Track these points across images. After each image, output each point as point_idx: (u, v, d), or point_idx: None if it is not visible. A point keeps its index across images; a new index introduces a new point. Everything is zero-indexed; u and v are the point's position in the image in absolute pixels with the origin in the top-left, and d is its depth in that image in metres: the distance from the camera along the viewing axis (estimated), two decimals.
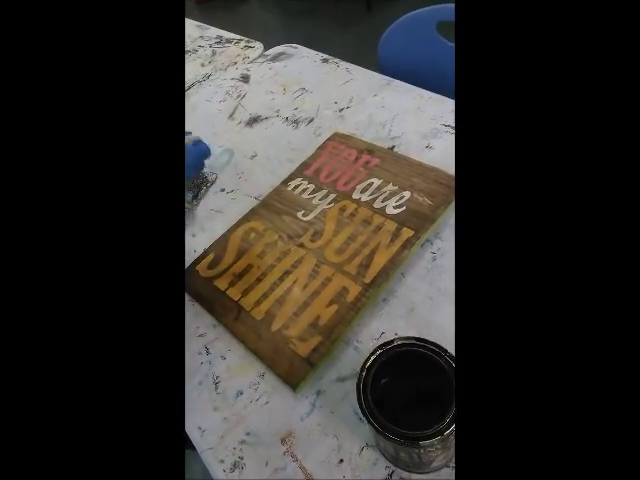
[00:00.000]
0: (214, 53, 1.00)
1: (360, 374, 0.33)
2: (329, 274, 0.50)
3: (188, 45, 1.05)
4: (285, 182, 0.63)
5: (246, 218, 0.59)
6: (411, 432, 0.30)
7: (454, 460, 0.36)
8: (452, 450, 0.35)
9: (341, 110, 0.74)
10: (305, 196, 0.60)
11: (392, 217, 0.53)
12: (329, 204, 0.57)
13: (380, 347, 0.34)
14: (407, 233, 0.51)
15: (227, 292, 0.51)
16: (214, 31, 1.09)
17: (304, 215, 0.57)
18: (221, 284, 0.52)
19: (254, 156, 0.71)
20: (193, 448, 0.42)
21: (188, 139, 0.63)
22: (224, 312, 0.50)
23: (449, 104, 0.69)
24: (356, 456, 0.39)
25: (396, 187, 0.57)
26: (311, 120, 0.74)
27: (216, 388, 0.45)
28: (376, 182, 0.58)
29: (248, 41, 1.01)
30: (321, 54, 0.90)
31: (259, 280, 0.51)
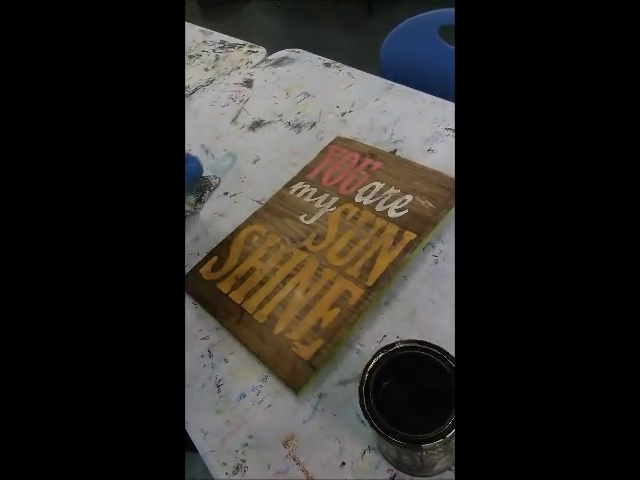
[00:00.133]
0: (217, 58, 1.00)
1: (362, 377, 0.33)
2: (331, 277, 0.50)
3: (192, 50, 1.05)
4: (287, 186, 0.63)
5: (249, 221, 0.60)
6: (413, 435, 0.30)
7: None
8: (454, 453, 0.35)
9: (343, 114, 0.75)
10: (307, 200, 0.60)
11: (394, 220, 0.53)
12: (331, 207, 0.58)
13: (382, 350, 0.34)
14: (409, 236, 0.51)
15: (230, 295, 0.52)
16: (217, 36, 1.09)
17: (306, 218, 0.57)
18: (224, 287, 0.53)
19: (257, 160, 0.71)
20: (195, 450, 0.42)
21: None
22: (227, 315, 0.50)
23: (451, 108, 0.69)
24: (358, 459, 0.39)
25: (398, 190, 0.57)
26: (313, 124, 0.75)
27: (219, 391, 0.46)
28: (378, 186, 0.58)
29: (251, 46, 1.01)
30: (323, 58, 0.90)
31: (262, 283, 0.52)
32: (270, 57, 0.96)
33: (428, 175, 0.58)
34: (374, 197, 0.57)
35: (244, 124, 0.79)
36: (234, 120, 0.81)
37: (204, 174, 0.70)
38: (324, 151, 0.67)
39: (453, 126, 0.66)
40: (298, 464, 0.39)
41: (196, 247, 0.60)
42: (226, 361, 0.48)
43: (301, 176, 0.64)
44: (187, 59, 1.02)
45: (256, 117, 0.80)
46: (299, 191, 0.61)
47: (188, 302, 0.54)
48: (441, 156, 0.62)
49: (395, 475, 0.37)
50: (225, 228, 0.60)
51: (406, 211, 0.54)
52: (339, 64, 0.87)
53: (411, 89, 0.76)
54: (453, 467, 0.37)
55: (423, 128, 0.67)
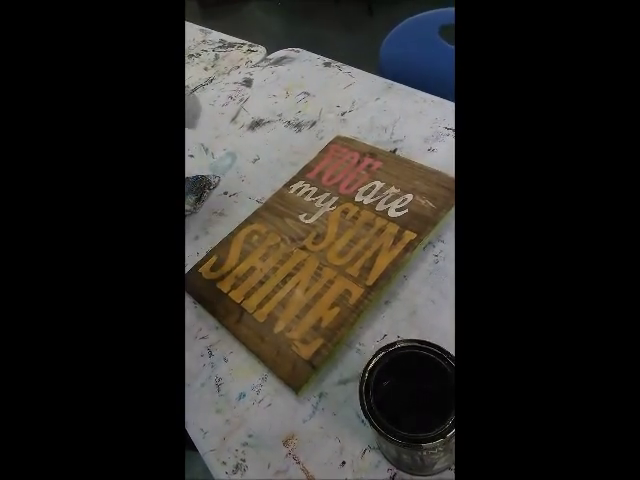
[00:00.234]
0: (217, 57, 1.00)
1: (362, 376, 0.33)
2: (331, 277, 0.50)
3: (191, 49, 1.05)
4: (287, 185, 0.63)
5: (249, 221, 0.60)
6: (413, 434, 0.30)
7: None
8: (454, 452, 0.35)
9: (343, 114, 0.75)
10: (307, 199, 0.60)
11: (394, 220, 0.53)
12: (331, 207, 0.58)
13: (382, 349, 0.34)
14: (409, 236, 0.51)
15: (230, 294, 0.52)
16: (217, 35, 1.09)
17: (306, 218, 0.57)
18: (224, 286, 0.53)
19: (257, 159, 0.71)
20: (195, 449, 0.42)
21: None
22: (227, 314, 0.50)
23: (451, 107, 0.69)
24: (358, 458, 0.39)
25: (398, 190, 0.57)
26: (313, 124, 0.75)
27: (218, 390, 0.46)
28: (378, 185, 0.58)
29: (251, 45, 1.01)
30: (323, 58, 0.90)
31: (261, 282, 0.52)
32: (270, 56, 0.96)
33: (428, 174, 0.58)
34: (374, 196, 0.57)
35: (244, 123, 0.79)
36: (234, 119, 0.80)
37: (204, 173, 0.70)
38: (324, 150, 0.67)
39: (453, 125, 0.66)
40: (298, 463, 0.39)
41: (196, 246, 0.60)
42: (226, 360, 0.48)
43: (301, 175, 0.64)
44: (186, 58, 1.02)
45: (256, 116, 0.80)
46: (299, 190, 0.61)
47: (188, 301, 0.53)
48: (441, 155, 0.62)
49: (395, 474, 0.37)
50: (225, 227, 0.60)
51: (406, 211, 0.54)
52: (339, 63, 0.87)
53: (411, 88, 0.76)
54: (453, 466, 0.37)
55: (423, 127, 0.67)
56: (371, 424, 0.31)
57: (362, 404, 0.32)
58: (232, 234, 0.58)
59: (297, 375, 0.43)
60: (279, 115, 0.78)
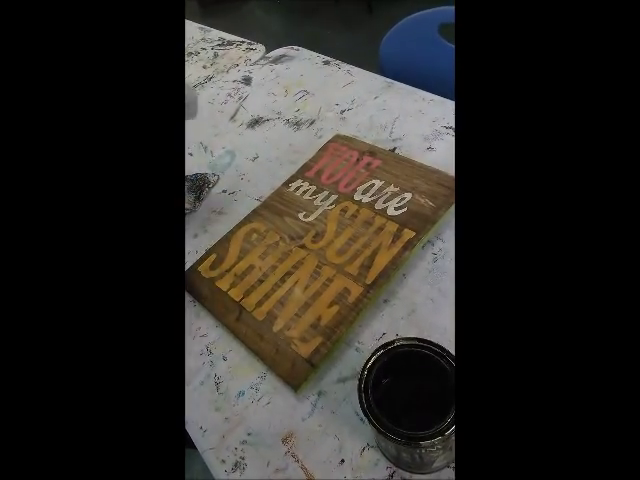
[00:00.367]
0: (216, 55, 1.00)
1: (361, 374, 0.33)
2: (330, 275, 0.50)
3: (190, 47, 1.05)
4: (286, 183, 0.63)
5: (248, 219, 0.60)
6: (412, 432, 0.30)
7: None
8: (453, 450, 0.35)
9: (342, 112, 0.75)
10: (306, 197, 0.60)
11: (393, 218, 0.53)
12: (330, 205, 0.58)
13: (381, 348, 0.34)
14: (408, 234, 0.51)
15: (229, 293, 0.52)
16: (216, 33, 1.09)
17: (305, 216, 0.57)
18: (223, 285, 0.53)
19: (256, 158, 0.71)
20: (194, 447, 0.42)
21: None
22: (226, 313, 0.50)
23: (451, 106, 0.69)
24: (357, 456, 0.39)
25: (397, 189, 0.57)
26: (312, 122, 0.74)
27: (217, 388, 0.46)
28: (377, 184, 0.58)
29: (250, 43, 1.01)
30: (322, 56, 0.90)
31: (261, 281, 0.52)
32: (269, 55, 0.96)
33: (427, 173, 0.58)
34: (373, 195, 0.57)
35: (243, 121, 0.79)
36: (233, 117, 0.80)
37: (203, 171, 0.70)
38: (323, 149, 0.67)
39: (453, 124, 0.66)
40: (297, 461, 0.39)
41: (195, 245, 0.60)
42: (225, 359, 0.48)
43: (300, 174, 0.64)
44: (186, 56, 1.02)
45: (255, 115, 0.79)
46: (298, 189, 0.61)
47: (187, 300, 0.53)
48: (440, 154, 0.62)
49: (394, 472, 0.37)
50: (224, 226, 0.60)
51: (405, 209, 0.54)
52: (338, 62, 0.87)
53: (411, 87, 0.76)
54: (452, 464, 0.37)
55: (423, 126, 0.67)
56: (370, 422, 0.32)
57: (361, 402, 0.32)
58: (231, 232, 0.58)
59: (296, 373, 0.43)
60: (278, 113, 0.78)
